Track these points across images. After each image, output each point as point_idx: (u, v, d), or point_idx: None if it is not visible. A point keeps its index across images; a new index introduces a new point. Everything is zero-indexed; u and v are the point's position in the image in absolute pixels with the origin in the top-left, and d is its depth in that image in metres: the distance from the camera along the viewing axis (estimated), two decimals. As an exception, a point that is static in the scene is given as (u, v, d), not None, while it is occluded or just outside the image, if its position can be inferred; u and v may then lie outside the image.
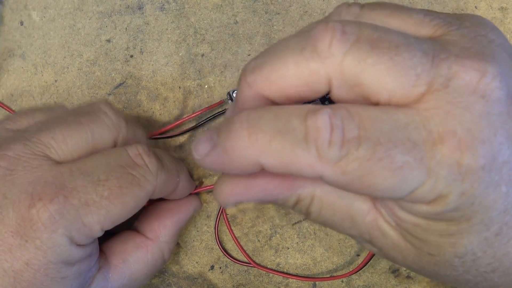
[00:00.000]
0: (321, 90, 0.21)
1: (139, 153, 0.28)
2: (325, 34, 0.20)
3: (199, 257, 0.35)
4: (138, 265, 0.30)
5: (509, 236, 0.21)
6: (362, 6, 0.23)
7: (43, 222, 0.24)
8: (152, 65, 0.36)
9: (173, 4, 0.36)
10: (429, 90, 0.20)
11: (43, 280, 0.25)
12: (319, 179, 0.20)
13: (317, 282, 0.34)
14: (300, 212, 0.24)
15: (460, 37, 0.21)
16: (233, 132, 0.20)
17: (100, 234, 0.26)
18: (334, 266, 0.34)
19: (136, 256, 0.30)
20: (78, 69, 0.36)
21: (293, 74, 0.21)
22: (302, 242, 0.34)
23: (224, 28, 0.36)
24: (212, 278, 0.35)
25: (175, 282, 0.35)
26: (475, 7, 0.35)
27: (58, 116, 0.28)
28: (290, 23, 0.36)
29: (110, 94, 0.36)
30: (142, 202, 0.27)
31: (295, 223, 0.34)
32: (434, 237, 0.21)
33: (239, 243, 0.34)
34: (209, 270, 0.35)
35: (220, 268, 0.35)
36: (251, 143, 0.20)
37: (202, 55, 0.36)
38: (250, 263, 0.34)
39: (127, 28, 0.36)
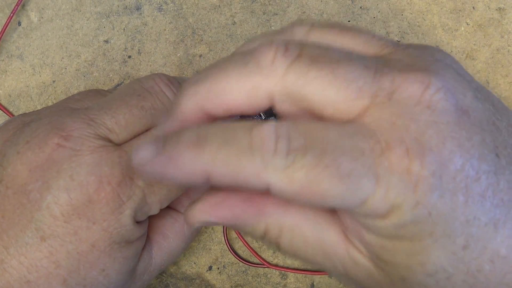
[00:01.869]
0: (262, 104, 0.21)
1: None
2: (268, 50, 0.20)
3: (197, 257, 0.35)
4: (177, 239, 0.30)
5: (478, 250, 0.20)
6: (313, 24, 0.23)
7: (111, 205, 0.25)
8: (150, 65, 0.36)
9: (171, 4, 0.36)
10: (372, 103, 0.20)
11: (106, 261, 0.25)
12: (287, 209, 0.21)
13: (315, 283, 0.34)
14: (270, 244, 0.23)
15: (405, 56, 0.21)
16: (181, 142, 0.20)
17: (157, 212, 0.27)
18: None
19: (174, 231, 0.30)
20: (76, 70, 0.36)
21: (235, 87, 0.21)
22: (300, 242, 0.34)
23: (222, 29, 0.36)
24: (210, 279, 0.35)
25: (173, 283, 0.35)
26: (473, 7, 0.35)
27: (121, 96, 0.27)
28: (288, 23, 0.36)
29: (108, 94, 0.36)
30: None
31: (293, 223, 0.35)
32: (402, 258, 0.21)
33: (248, 244, 0.34)
34: (207, 270, 0.35)
35: (218, 268, 0.35)
36: (199, 153, 0.20)
37: (200, 55, 0.36)
38: (263, 264, 0.34)
39: (125, 28, 0.36)
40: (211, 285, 0.35)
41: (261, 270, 0.35)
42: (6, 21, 0.35)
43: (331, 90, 0.20)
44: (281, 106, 0.21)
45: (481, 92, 0.22)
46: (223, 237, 0.35)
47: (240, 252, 0.35)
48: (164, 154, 0.20)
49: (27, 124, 0.27)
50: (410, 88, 0.20)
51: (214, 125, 0.21)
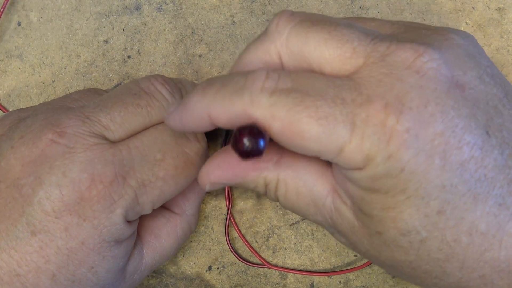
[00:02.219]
0: (274, 63, 0.24)
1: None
2: (275, 19, 0.23)
3: (196, 257, 0.35)
4: (169, 239, 0.30)
5: (455, 219, 0.21)
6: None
7: (102, 203, 0.25)
8: (150, 65, 0.36)
9: (171, 4, 0.36)
10: (365, 63, 0.21)
11: (96, 259, 0.25)
12: (281, 164, 0.23)
13: (314, 283, 0.34)
14: (271, 198, 0.26)
15: (413, 34, 0.23)
16: (192, 91, 0.23)
17: (150, 212, 0.27)
18: (332, 267, 0.34)
19: (166, 231, 0.30)
20: (75, 70, 0.36)
21: (254, 57, 0.24)
22: (299, 242, 0.34)
23: (221, 29, 0.36)
24: (210, 279, 0.35)
25: (172, 283, 0.35)
26: (472, 7, 0.35)
27: (116, 95, 0.28)
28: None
29: (107, 94, 0.36)
30: (192, 180, 0.28)
31: (293, 223, 0.34)
32: (377, 211, 0.22)
33: (249, 244, 0.34)
34: (206, 270, 0.35)
35: (218, 268, 0.35)
36: (203, 95, 0.22)
37: (200, 55, 0.36)
38: (264, 264, 0.34)
39: (125, 28, 0.36)
40: (210, 285, 0.35)
41: (260, 270, 0.35)
42: None
43: (327, 48, 0.22)
44: (288, 66, 0.23)
45: (493, 78, 0.22)
46: (222, 237, 0.35)
47: (240, 251, 0.35)
48: (180, 105, 0.24)
49: (22, 120, 0.27)
50: (404, 54, 0.21)
51: (220, 76, 0.23)
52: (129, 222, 0.26)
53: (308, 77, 0.21)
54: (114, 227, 0.25)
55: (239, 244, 0.35)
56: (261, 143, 0.21)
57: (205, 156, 0.28)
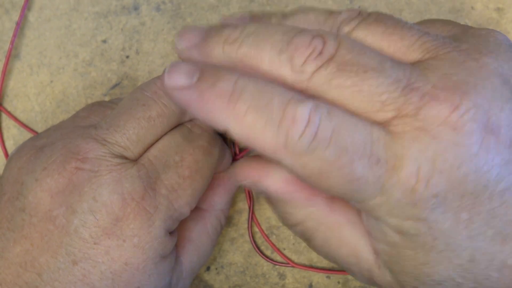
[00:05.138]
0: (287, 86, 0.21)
1: (196, 124, 0.28)
2: (305, 49, 0.21)
3: (195, 258, 0.35)
4: (202, 239, 0.30)
5: (486, 262, 0.21)
6: (362, 20, 0.23)
7: (139, 220, 0.25)
8: (148, 65, 0.36)
9: (169, 4, 0.36)
10: (398, 115, 0.20)
11: (142, 279, 0.25)
12: (333, 206, 0.22)
13: (313, 283, 0.34)
14: (301, 236, 0.25)
15: (446, 62, 0.21)
16: (217, 89, 0.20)
17: (188, 214, 0.27)
18: (330, 267, 0.34)
19: (198, 231, 0.30)
20: (73, 70, 0.36)
21: (265, 69, 0.21)
22: (298, 243, 0.34)
23: (220, 29, 0.36)
24: (208, 279, 0.35)
25: (171, 283, 0.35)
26: (472, 7, 0.35)
27: (126, 110, 0.27)
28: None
29: (106, 94, 0.36)
30: (214, 169, 0.28)
31: (291, 224, 0.34)
32: (409, 268, 0.21)
33: (273, 244, 0.34)
34: (205, 271, 0.35)
35: (216, 269, 0.35)
36: (227, 108, 0.20)
37: (198, 55, 0.36)
38: (288, 263, 0.34)
39: (123, 28, 0.36)
40: (209, 286, 0.35)
41: (259, 271, 0.35)
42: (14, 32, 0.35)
43: (353, 101, 0.20)
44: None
45: None
46: (221, 238, 0.35)
47: (242, 250, 0.35)
48: (196, 89, 0.21)
49: (40, 150, 0.26)
50: (438, 107, 0.20)
51: (254, 82, 0.21)
52: (170, 233, 0.26)
53: (349, 125, 0.20)
54: (156, 241, 0.25)
55: (238, 244, 0.35)
56: None
57: (215, 141, 0.28)
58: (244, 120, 0.20)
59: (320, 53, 0.20)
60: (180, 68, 0.21)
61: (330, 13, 0.24)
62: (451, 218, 0.20)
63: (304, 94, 0.21)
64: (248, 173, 0.25)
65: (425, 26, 0.24)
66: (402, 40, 0.22)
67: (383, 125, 0.20)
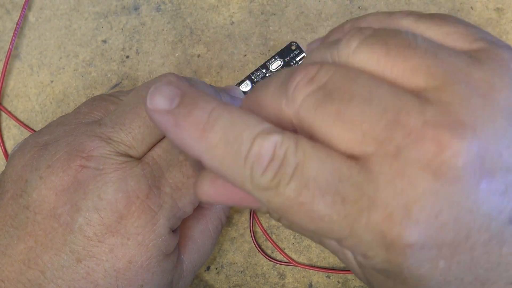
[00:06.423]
0: (287, 126, 0.21)
1: None
2: (297, 76, 0.20)
3: (195, 257, 0.35)
4: (203, 237, 0.30)
5: None
6: (363, 39, 0.21)
7: (144, 218, 0.25)
8: (148, 65, 0.36)
9: (169, 4, 0.36)
10: (377, 152, 0.18)
11: (145, 277, 0.25)
12: None
13: (313, 283, 0.34)
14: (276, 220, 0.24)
15: (450, 95, 0.19)
16: (192, 117, 0.20)
17: (191, 213, 0.27)
18: (330, 267, 0.34)
19: (199, 230, 0.30)
20: (74, 70, 0.36)
21: (269, 106, 0.21)
22: (298, 242, 0.34)
23: (220, 29, 0.36)
24: (208, 279, 0.35)
25: (171, 283, 0.35)
26: (471, 7, 0.35)
27: (131, 107, 0.27)
28: (286, 23, 0.36)
29: (106, 94, 0.36)
30: None
31: (291, 223, 0.35)
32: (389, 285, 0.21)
33: (276, 244, 0.34)
34: (205, 270, 0.35)
35: (216, 268, 0.35)
36: (200, 138, 0.20)
37: (198, 55, 0.36)
38: (290, 262, 0.34)
39: (123, 28, 0.36)
40: (209, 285, 0.35)
41: (259, 270, 0.35)
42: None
43: (335, 129, 0.19)
44: (301, 132, 0.20)
45: None
46: (221, 237, 0.35)
47: (243, 249, 0.35)
48: (173, 115, 0.20)
49: (43, 147, 0.26)
50: (422, 148, 0.17)
51: (228, 112, 0.20)
52: (173, 232, 0.26)
53: (315, 160, 0.19)
54: (160, 239, 0.25)
55: (238, 244, 0.35)
56: None
57: None
58: (214, 152, 0.19)
59: (311, 80, 0.20)
60: (162, 91, 0.21)
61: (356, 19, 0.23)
62: (427, 266, 0.18)
63: (284, 125, 0.20)
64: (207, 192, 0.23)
65: (437, 26, 0.22)
66: (405, 63, 0.20)
67: (361, 160, 0.18)
